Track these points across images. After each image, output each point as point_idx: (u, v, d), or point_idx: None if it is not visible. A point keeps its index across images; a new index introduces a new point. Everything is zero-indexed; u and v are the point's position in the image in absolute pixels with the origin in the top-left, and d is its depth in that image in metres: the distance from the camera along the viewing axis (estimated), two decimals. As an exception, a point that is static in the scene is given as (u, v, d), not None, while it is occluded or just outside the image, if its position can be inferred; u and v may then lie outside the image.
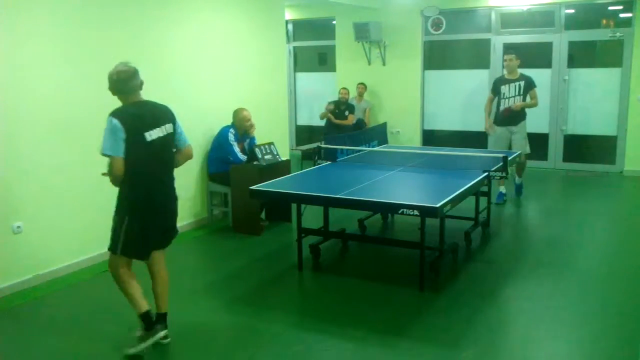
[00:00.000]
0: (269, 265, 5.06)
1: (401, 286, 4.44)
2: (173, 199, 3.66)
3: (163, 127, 3.40)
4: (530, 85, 6.70)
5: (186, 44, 5.89)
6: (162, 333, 3.49)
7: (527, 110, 6.81)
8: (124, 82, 3.31)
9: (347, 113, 9.12)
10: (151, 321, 3.47)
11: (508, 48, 8.41)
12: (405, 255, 4.95)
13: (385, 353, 3.44)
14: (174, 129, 3.49)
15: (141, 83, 3.39)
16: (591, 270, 4.80)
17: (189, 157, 3.62)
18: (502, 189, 6.84)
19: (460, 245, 5.10)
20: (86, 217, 4.93)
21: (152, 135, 3.33)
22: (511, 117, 6.68)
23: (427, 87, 9.97)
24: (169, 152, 3.50)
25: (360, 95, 9.62)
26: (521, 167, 6.92)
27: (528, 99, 6.71)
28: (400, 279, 4.60)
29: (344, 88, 9.30)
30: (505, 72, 6.90)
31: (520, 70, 6.80)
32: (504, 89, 6.74)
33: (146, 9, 5.41)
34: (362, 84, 9.67)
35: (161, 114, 3.45)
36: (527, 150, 6.79)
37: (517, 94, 6.68)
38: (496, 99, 6.89)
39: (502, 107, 6.75)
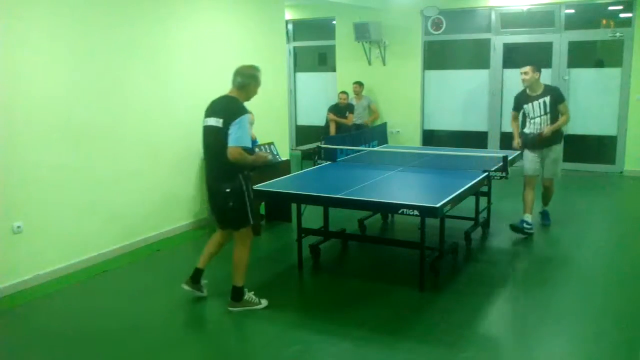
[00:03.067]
0: (269, 265, 5.06)
1: (401, 286, 4.44)
2: (215, 186, 3.90)
3: (215, 118, 3.78)
4: (557, 99, 5.55)
5: (186, 44, 5.89)
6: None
7: None
8: None
9: (347, 113, 9.21)
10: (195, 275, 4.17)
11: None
12: (405, 255, 4.95)
13: (385, 353, 3.44)
14: (225, 124, 3.71)
15: (236, 82, 3.88)
16: (591, 270, 4.80)
17: (230, 156, 3.69)
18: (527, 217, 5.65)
19: (460, 245, 5.10)
20: (86, 217, 4.93)
21: (206, 122, 3.86)
22: (542, 142, 5.60)
23: (427, 87, 9.97)
24: (213, 141, 3.80)
25: (357, 94, 9.59)
26: (547, 194, 5.94)
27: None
28: (400, 279, 4.60)
29: (343, 92, 9.34)
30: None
31: (521, 71, 5.59)
32: (527, 108, 5.61)
33: (146, 9, 5.40)
34: (357, 82, 9.59)
35: (219, 108, 3.84)
36: (556, 175, 5.78)
37: (542, 113, 5.52)
38: (521, 117, 5.85)
39: (529, 129, 5.65)
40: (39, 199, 4.54)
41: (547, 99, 5.52)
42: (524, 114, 5.76)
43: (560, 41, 8.82)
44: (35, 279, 4.54)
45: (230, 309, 3.97)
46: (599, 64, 9.01)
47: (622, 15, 8.59)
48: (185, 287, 4.14)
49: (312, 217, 5.19)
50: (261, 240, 5.72)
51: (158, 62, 5.57)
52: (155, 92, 5.56)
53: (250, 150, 3.86)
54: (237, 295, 3.98)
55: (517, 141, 5.78)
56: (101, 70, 4.99)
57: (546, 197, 6.00)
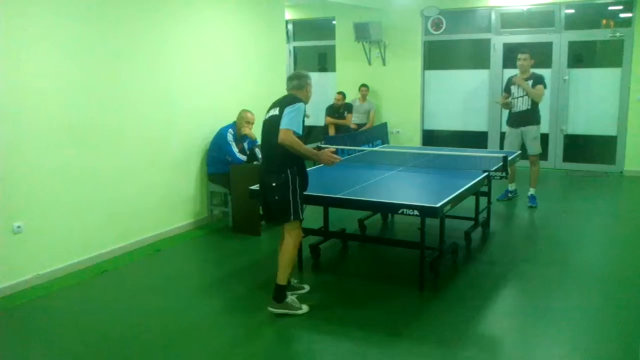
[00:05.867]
0: (268, 265, 5.04)
1: (401, 286, 4.44)
2: (263, 177, 3.91)
3: (274, 109, 3.89)
4: (536, 81, 6.51)
5: (186, 44, 5.89)
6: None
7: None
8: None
9: (345, 113, 9.20)
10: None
11: (522, 47, 7.85)
12: (405, 255, 4.95)
13: (385, 353, 3.43)
14: (280, 112, 3.78)
15: (293, 85, 3.99)
16: (591, 270, 4.80)
17: (280, 139, 3.71)
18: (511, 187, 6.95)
19: (460, 245, 5.10)
20: (86, 217, 4.93)
21: (267, 115, 3.96)
22: (520, 119, 6.58)
23: (427, 87, 9.97)
24: (268, 130, 3.88)
25: (364, 97, 9.64)
26: (532, 172, 6.73)
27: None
28: (400, 279, 4.60)
29: (339, 93, 9.35)
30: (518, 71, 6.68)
31: (522, 57, 6.61)
32: (514, 88, 6.61)
33: (147, 9, 5.40)
34: (364, 85, 9.65)
35: (278, 101, 3.95)
36: (538, 150, 6.65)
37: (523, 94, 6.52)
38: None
39: (513, 108, 6.65)
40: (39, 199, 4.55)
41: (530, 82, 6.49)
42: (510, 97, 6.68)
43: (560, 41, 8.82)
44: (35, 279, 4.54)
45: (270, 309, 3.88)
46: (599, 63, 9.02)
47: (622, 15, 8.59)
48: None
49: (312, 217, 5.19)
50: (261, 240, 5.73)
51: (158, 62, 5.56)
52: (156, 92, 5.56)
53: (301, 137, 3.80)
54: (278, 295, 3.89)
55: (503, 98, 6.80)
56: (101, 70, 4.99)
57: (532, 176, 6.74)
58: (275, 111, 3.84)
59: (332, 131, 9.20)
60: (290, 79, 4.03)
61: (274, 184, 3.81)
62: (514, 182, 6.95)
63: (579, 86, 8.86)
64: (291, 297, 3.97)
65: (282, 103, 3.85)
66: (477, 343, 3.54)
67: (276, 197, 3.82)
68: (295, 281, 4.36)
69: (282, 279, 3.91)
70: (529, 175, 6.81)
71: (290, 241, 3.92)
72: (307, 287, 4.35)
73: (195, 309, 4.10)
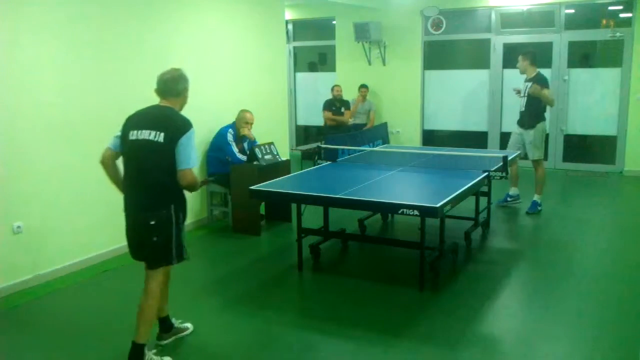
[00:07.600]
0: (269, 265, 5.06)
1: (401, 286, 4.44)
2: (137, 215, 3.20)
3: (150, 131, 3.11)
4: (539, 84, 6.31)
5: (186, 44, 5.89)
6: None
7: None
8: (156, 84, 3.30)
9: (342, 109, 9.15)
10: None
11: (522, 47, 7.71)
12: (405, 255, 4.95)
13: (385, 353, 3.44)
14: (168, 140, 3.08)
15: (173, 90, 3.25)
16: (591, 270, 4.80)
17: (183, 181, 3.12)
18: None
19: (460, 245, 5.10)
20: (86, 218, 4.93)
21: (136, 135, 3.15)
22: (520, 119, 6.52)
23: (427, 87, 9.97)
24: (147, 159, 3.13)
25: (364, 97, 9.61)
26: (535, 177, 6.51)
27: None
28: (400, 279, 4.60)
29: (337, 85, 9.31)
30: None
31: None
32: (523, 87, 6.51)
33: (147, 10, 5.40)
34: (363, 86, 9.62)
35: (156, 120, 3.17)
36: (535, 156, 6.42)
37: (524, 94, 6.42)
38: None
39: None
40: (39, 199, 4.54)
41: (530, 84, 6.36)
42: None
43: (560, 41, 8.82)
44: (35, 279, 4.54)
45: None
46: (599, 63, 9.02)
47: (622, 15, 8.60)
48: (162, 342, 3.53)
49: (312, 217, 5.19)
50: (261, 240, 5.72)
51: (158, 61, 5.53)
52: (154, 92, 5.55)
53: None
54: (137, 356, 3.19)
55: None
56: (101, 69, 4.99)
57: (535, 181, 6.54)
58: (158, 137, 3.08)
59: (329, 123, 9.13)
60: (164, 81, 3.24)
61: (152, 222, 3.11)
62: (517, 187, 6.69)
63: (579, 86, 8.86)
64: (149, 354, 3.26)
65: (167, 127, 3.10)
66: (477, 343, 3.55)
67: (155, 238, 3.15)
68: (179, 321, 3.69)
69: (142, 336, 3.21)
70: (534, 179, 6.56)
71: (154, 289, 3.28)
72: (190, 326, 3.72)
73: (194, 309, 4.10)
